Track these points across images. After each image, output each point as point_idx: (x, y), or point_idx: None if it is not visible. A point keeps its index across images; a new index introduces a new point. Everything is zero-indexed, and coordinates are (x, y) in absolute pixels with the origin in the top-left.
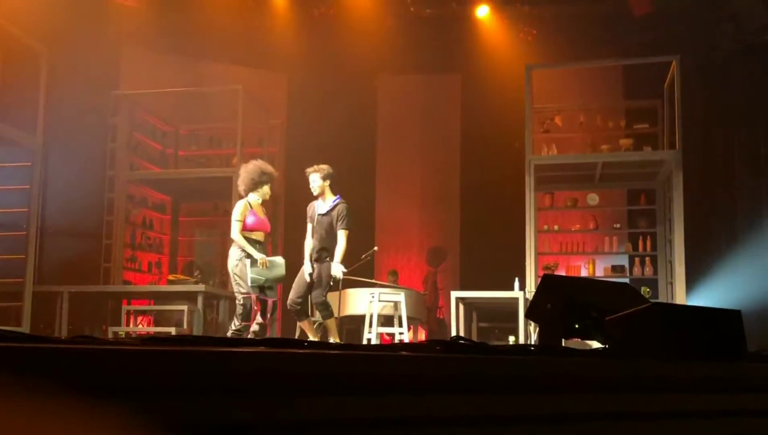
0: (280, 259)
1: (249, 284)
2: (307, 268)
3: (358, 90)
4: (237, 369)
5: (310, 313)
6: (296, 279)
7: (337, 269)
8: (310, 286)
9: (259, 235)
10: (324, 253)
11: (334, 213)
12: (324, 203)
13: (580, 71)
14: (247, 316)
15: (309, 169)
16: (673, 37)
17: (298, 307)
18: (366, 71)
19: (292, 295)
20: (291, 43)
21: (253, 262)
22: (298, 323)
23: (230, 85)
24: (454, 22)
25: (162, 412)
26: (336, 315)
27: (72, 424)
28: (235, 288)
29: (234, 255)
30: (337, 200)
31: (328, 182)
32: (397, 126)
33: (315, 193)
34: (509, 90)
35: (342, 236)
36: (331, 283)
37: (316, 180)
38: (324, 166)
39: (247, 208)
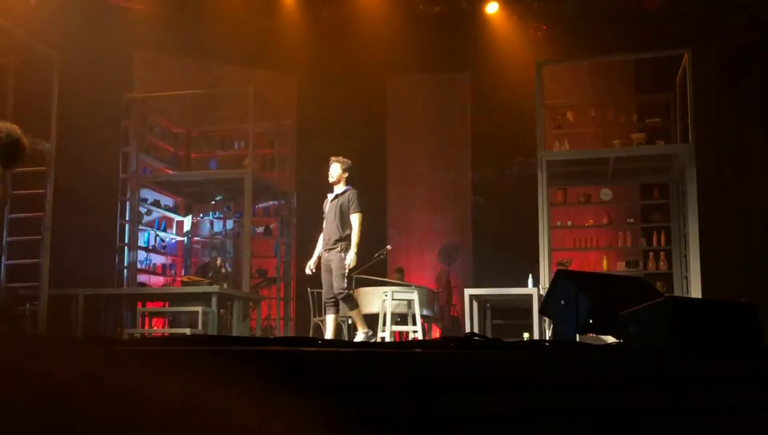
0: None
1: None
2: (309, 263)
3: (367, 89)
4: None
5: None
6: (322, 272)
7: (350, 257)
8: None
9: None
10: (337, 243)
11: (344, 197)
12: (336, 191)
13: (591, 66)
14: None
15: (333, 158)
16: (685, 30)
17: (332, 300)
18: (375, 70)
19: (324, 288)
20: (300, 44)
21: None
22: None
23: (241, 87)
24: (464, 20)
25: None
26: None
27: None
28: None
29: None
30: (349, 187)
31: (346, 174)
32: (407, 124)
33: (331, 181)
34: (520, 86)
35: (355, 220)
36: (346, 272)
37: (335, 168)
38: (347, 160)
39: None
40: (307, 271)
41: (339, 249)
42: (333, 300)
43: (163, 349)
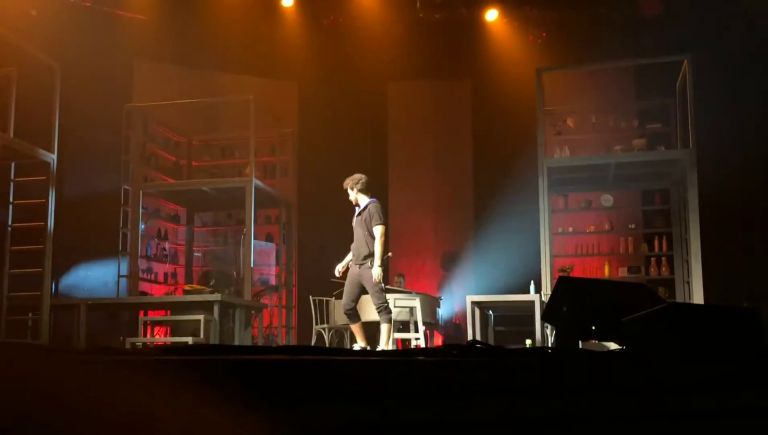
0: None
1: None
2: (338, 267)
3: (368, 97)
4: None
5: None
6: (346, 283)
7: (375, 272)
8: (358, 290)
9: None
10: (366, 259)
11: (367, 212)
12: (359, 207)
13: (591, 72)
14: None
15: (344, 183)
16: (684, 35)
17: (350, 311)
18: (376, 78)
19: (344, 299)
20: (301, 51)
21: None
22: (350, 326)
23: (242, 95)
24: (464, 27)
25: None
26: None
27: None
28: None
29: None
30: (370, 201)
31: (360, 188)
32: (408, 132)
33: (353, 202)
34: (520, 93)
35: (377, 232)
36: (382, 286)
37: (349, 192)
38: (356, 176)
39: None
40: (336, 274)
41: (369, 265)
42: (351, 311)
43: (164, 358)
